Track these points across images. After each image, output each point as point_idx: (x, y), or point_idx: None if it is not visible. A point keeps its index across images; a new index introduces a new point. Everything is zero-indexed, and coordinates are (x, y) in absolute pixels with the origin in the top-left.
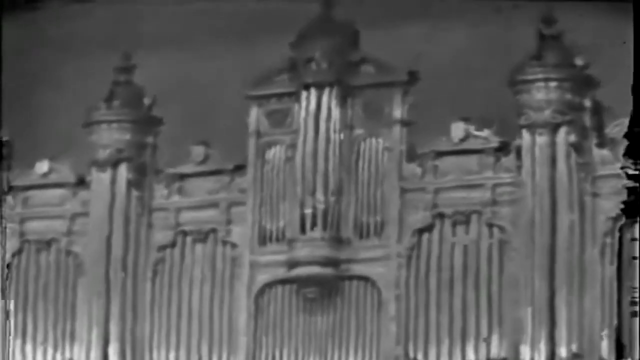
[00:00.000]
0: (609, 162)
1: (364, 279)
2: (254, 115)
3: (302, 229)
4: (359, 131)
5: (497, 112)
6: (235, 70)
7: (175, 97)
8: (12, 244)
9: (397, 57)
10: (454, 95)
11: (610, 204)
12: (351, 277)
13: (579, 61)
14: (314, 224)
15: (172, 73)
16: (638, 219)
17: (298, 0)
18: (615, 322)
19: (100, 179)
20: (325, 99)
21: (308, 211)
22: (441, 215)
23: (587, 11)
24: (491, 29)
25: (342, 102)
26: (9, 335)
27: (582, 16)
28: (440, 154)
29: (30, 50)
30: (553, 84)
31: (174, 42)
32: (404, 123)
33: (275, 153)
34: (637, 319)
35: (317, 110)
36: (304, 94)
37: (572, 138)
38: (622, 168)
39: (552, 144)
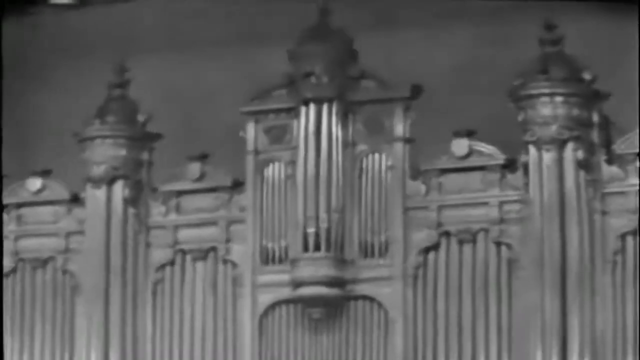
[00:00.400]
0: (619, 178)
1: (370, 299)
2: (252, 131)
3: (305, 248)
4: (361, 148)
5: (502, 127)
6: (232, 84)
7: (170, 112)
8: (5, 263)
9: (396, 69)
10: (456, 109)
11: (621, 222)
12: (357, 297)
13: (586, 75)
14: (317, 243)
15: (167, 87)
16: None
17: (296, 9)
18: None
19: (95, 196)
20: (325, 114)
21: (311, 230)
22: (447, 234)
23: (590, 13)
24: (493, 39)
25: (343, 118)
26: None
27: (584, 20)
28: (444, 171)
29: (26, 55)
30: (559, 98)
31: (169, 55)
32: (407, 140)
33: (274, 170)
34: None
35: (317, 126)
36: (303, 109)
37: (580, 154)
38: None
39: (560, 161)
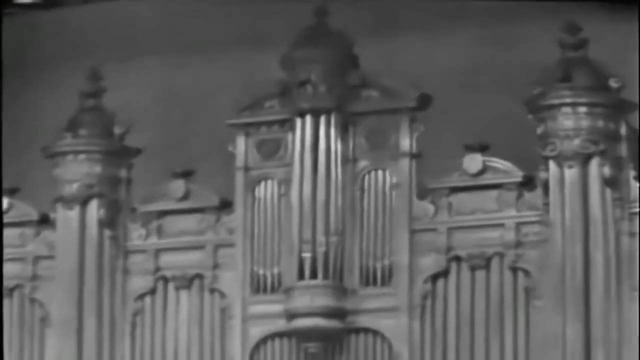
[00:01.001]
0: None
1: (372, 332)
2: (242, 145)
3: (301, 276)
4: (362, 164)
5: (519, 141)
6: (221, 92)
7: (151, 124)
8: None
9: (400, 76)
10: (467, 121)
11: None
12: (357, 330)
13: (612, 83)
14: (313, 270)
15: (148, 96)
16: None
17: (292, 10)
18: None
19: (67, 217)
20: (323, 127)
21: (307, 255)
22: (457, 259)
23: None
24: (506, 40)
25: (343, 131)
26: None
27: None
28: (455, 190)
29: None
30: (583, 109)
31: (150, 61)
32: (413, 155)
33: (267, 189)
34: None
35: (314, 140)
36: (298, 121)
37: (606, 170)
38: None
39: (584, 177)
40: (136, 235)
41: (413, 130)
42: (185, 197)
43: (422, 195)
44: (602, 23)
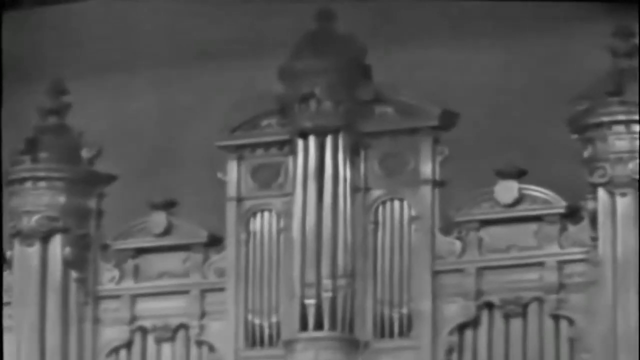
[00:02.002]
0: None
1: None
2: (234, 171)
3: (303, 326)
4: (376, 193)
5: (562, 166)
6: (209, 109)
7: (126, 146)
8: None
9: (420, 89)
10: (500, 142)
11: None
12: None
13: None
14: (318, 319)
15: (123, 113)
16: None
17: (292, 13)
18: None
19: (25, 255)
20: (329, 150)
21: (310, 301)
22: (489, 306)
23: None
24: (544, 49)
25: (353, 154)
26: None
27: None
28: (486, 223)
29: None
30: (637, 127)
31: (124, 74)
32: (436, 182)
33: (263, 222)
34: None
35: (319, 165)
36: (300, 143)
37: None
38: None
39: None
40: (108, 277)
41: (436, 154)
42: (167, 232)
43: (446, 230)
44: None
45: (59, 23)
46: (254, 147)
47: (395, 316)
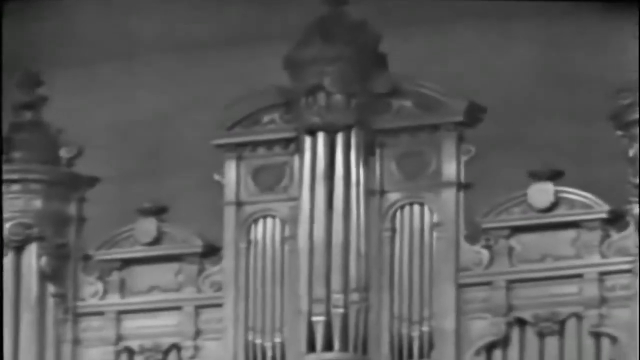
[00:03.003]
0: None
1: None
2: (232, 173)
3: (311, 347)
4: (393, 197)
5: (603, 166)
6: (204, 103)
7: (111, 145)
8: None
9: (442, 81)
10: (533, 140)
11: None
12: None
13: None
14: (328, 339)
15: (108, 108)
16: None
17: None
18: None
19: None
20: (340, 149)
21: (319, 319)
22: (521, 323)
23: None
24: (583, 38)
25: (367, 153)
26: None
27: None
28: (517, 230)
29: None
30: None
31: (111, 63)
32: (461, 184)
33: (265, 230)
34: None
35: (329, 166)
36: (307, 141)
37: None
38: None
39: None
40: (90, 292)
41: (460, 153)
42: (157, 241)
43: (472, 238)
44: None
45: (47, 15)
46: (255, 145)
47: (415, 335)
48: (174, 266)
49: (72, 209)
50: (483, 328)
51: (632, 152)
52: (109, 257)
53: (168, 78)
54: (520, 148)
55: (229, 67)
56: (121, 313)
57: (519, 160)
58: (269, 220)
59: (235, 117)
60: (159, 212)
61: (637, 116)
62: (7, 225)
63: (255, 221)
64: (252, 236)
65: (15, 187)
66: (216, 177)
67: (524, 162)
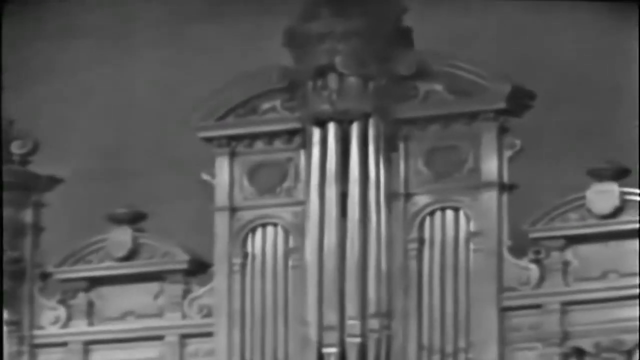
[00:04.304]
0: None
1: None
2: (225, 172)
3: None
4: (421, 201)
5: None
6: (190, 88)
7: (75, 139)
8: None
9: (479, 59)
10: (592, 132)
11: None
12: None
13: None
14: None
15: (73, 92)
16: None
17: None
18: None
19: None
20: (355, 143)
21: (330, 351)
22: (579, 353)
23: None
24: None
25: (388, 148)
26: None
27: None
28: (574, 240)
29: None
30: None
31: (83, 41)
32: (504, 185)
33: (265, 242)
34: None
35: (342, 164)
36: (315, 133)
37: None
38: None
39: None
40: (51, 318)
41: (503, 147)
42: (133, 255)
43: (519, 251)
44: None
45: None
46: (251, 138)
47: None
48: (154, 286)
49: (26, 215)
50: (531, 359)
51: None
52: (73, 275)
53: (144, 57)
54: (576, 141)
55: (219, 44)
56: (88, 344)
57: (575, 155)
58: (270, 230)
59: (227, 104)
60: (134, 219)
61: None
62: None
63: (253, 231)
64: (248, 249)
65: None
66: (205, 177)
67: (581, 158)
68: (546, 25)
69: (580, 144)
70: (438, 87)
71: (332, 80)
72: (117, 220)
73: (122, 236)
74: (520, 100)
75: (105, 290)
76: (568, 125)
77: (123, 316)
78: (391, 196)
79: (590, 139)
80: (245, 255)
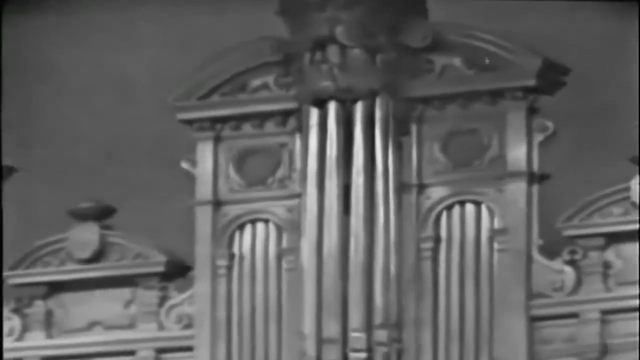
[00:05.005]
0: None
1: None
2: (208, 159)
3: None
4: (436, 194)
5: None
6: (167, 61)
7: (30, 121)
8: None
9: (503, 30)
10: (635, 115)
11: None
12: None
13: None
14: None
15: (31, 64)
16: None
17: None
18: None
19: None
20: (359, 126)
21: None
22: None
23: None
24: None
25: (399, 132)
26: None
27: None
28: (615, 238)
29: None
30: None
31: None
32: (533, 175)
33: (255, 241)
34: None
35: (345, 150)
36: (313, 115)
37: None
38: None
39: None
40: (4, 330)
41: (532, 131)
42: (100, 256)
43: (551, 251)
44: None
45: None
46: (239, 120)
47: None
48: (124, 293)
49: None
50: None
51: None
52: (29, 280)
53: (115, 26)
54: (618, 124)
55: (199, 11)
56: None
57: (618, 140)
58: (260, 227)
59: (211, 81)
60: (102, 215)
61: None
62: None
63: (241, 228)
64: (235, 249)
65: None
66: (184, 165)
67: (624, 142)
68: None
69: (622, 127)
70: (456, 61)
71: (333, 53)
72: (81, 216)
73: (87, 234)
74: (552, 77)
75: (67, 297)
76: (608, 106)
77: (88, 328)
78: (402, 188)
79: (633, 122)
80: (231, 257)
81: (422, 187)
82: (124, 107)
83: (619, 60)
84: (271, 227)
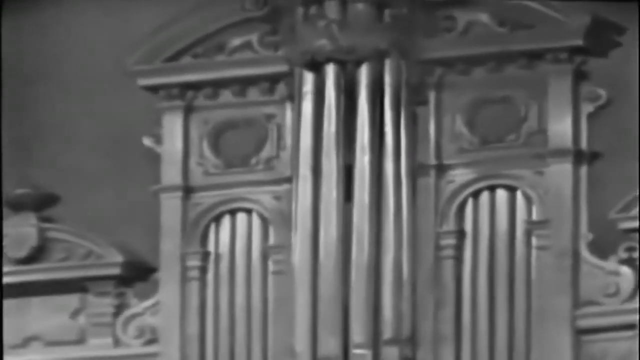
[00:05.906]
0: None
1: None
2: (177, 135)
3: None
4: (460, 177)
5: None
6: (125, 17)
7: None
8: None
9: None
10: None
11: None
12: None
13: None
14: None
15: None
16: None
17: None
18: None
19: None
20: (364, 94)
21: None
22: None
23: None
24: None
25: (412, 102)
26: None
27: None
28: None
29: None
30: None
31: None
32: (582, 155)
33: (235, 237)
34: None
35: (346, 123)
36: (308, 80)
37: None
38: None
39: None
40: None
41: (580, 100)
42: (39, 254)
43: (603, 248)
44: None
45: None
46: (215, 87)
47: None
48: (72, 300)
49: None
50: None
51: None
52: None
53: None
54: None
55: None
56: None
57: None
58: (241, 218)
59: (180, 40)
60: (41, 204)
61: None
62: None
63: (217, 220)
64: (210, 247)
65: None
66: (147, 142)
67: None
68: None
69: None
70: (483, 17)
71: (332, 7)
72: (16, 206)
73: (24, 228)
74: (603, 36)
75: (7, 304)
76: None
77: (25, 343)
78: (417, 170)
79: None
80: (205, 256)
81: (442, 169)
82: (71, 77)
83: None
84: (255, 218)
